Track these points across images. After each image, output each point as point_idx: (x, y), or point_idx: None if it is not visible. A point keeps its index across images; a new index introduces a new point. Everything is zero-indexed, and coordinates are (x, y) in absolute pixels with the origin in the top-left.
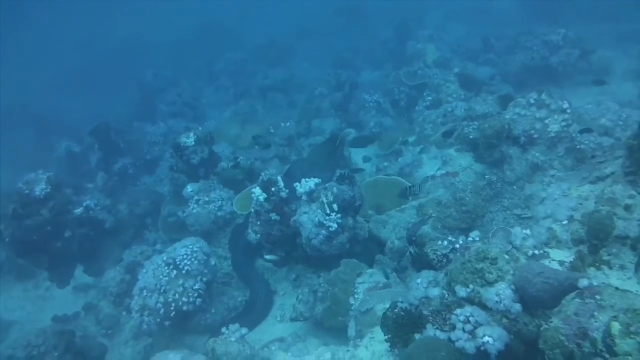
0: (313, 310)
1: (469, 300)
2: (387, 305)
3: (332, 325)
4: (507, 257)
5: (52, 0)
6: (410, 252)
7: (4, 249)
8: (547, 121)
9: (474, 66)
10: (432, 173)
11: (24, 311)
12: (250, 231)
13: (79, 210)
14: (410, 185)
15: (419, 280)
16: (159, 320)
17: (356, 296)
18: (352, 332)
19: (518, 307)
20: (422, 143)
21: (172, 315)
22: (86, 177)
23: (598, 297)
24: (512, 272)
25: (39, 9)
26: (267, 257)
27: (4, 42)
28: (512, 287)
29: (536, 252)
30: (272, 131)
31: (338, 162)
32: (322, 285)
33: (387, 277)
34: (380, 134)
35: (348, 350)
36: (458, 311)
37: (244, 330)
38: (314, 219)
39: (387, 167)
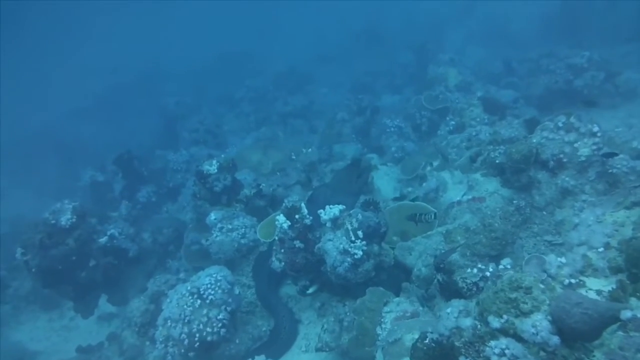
0: (339, 340)
1: (503, 331)
2: (416, 335)
3: (358, 355)
4: (542, 286)
5: (74, 26)
6: (438, 280)
7: (30, 278)
8: (576, 145)
9: (496, 89)
10: (457, 198)
11: (49, 341)
12: (274, 259)
13: (103, 239)
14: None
15: (448, 310)
16: (182, 350)
17: (383, 325)
18: None
19: (556, 339)
20: (446, 168)
21: (196, 345)
22: (110, 205)
23: None
24: (547, 301)
25: (63, 34)
26: (310, 290)
27: (28, 68)
28: (549, 317)
29: (572, 280)
30: (294, 157)
31: (361, 187)
32: (348, 314)
33: (422, 305)
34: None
35: None
36: (492, 343)
37: None
38: (339, 246)
39: (410, 192)
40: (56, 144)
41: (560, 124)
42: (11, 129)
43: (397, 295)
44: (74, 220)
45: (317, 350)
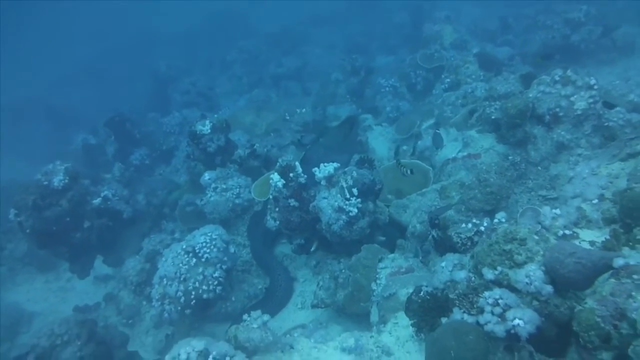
0: (334, 297)
1: (497, 283)
2: (411, 290)
3: (353, 311)
4: (536, 237)
5: None
6: (433, 236)
7: (25, 240)
8: (572, 98)
9: (492, 47)
10: (452, 155)
11: (46, 302)
12: (268, 218)
13: (97, 201)
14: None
15: (443, 264)
16: (179, 308)
17: (378, 281)
18: (374, 317)
19: (549, 288)
20: (442, 126)
21: (192, 303)
22: (103, 168)
23: (635, 276)
24: (542, 252)
25: (51, 2)
26: (312, 248)
27: (17, 35)
28: (542, 268)
29: (566, 232)
30: (288, 118)
31: (354, 145)
32: (343, 271)
33: (417, 255)
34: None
35: (371, 336)
36: (486, 294)
37: (266, 317)
38: (334, 204)
39: (406, 150)
40: (47, 110)
41: (557, 78)
42: (0, 95)
43: (392, 252)
44: (66, 181)
45: (313, 307)
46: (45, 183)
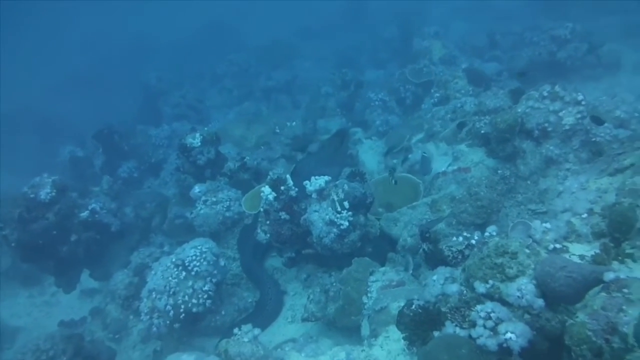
0: (325, 310)
1: (489, 296)
2: (402, 303)
3: (344, 324)
4: (527, 251)
5: (53, 1)
6: (424, 249)
7: (9, 254)
8: (561, 114)
9: (480, 62)
10: (442, 169)
11: (30, 317)
12: (259, 231)
13: (84, 214)
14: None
15: (434, 277)
16: (168, 322)
17: (369, 294)
18: (365, 331)
19: (540, 302)
20: (431, 140)
21: (181, 317)
22: (90, 181)
23: (625, 290)
24: (533, 266)
25: (39, 10)
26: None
27: (5, 43)
28: (534, 281)
29: (557, 245)
30: (278, 131)
31: (345, 158)
32: (334, 284)
33: (408, 268)
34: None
35: (363, 350)
36: (478, 307)
37: (257, 331)
38: (325, 217)
39: (396, 164)
40: (34, 121)
41: (545, 93)
42: None
43: (383, 266)
44: (53, 194)
45: (304, 320)
46: (32, 196)
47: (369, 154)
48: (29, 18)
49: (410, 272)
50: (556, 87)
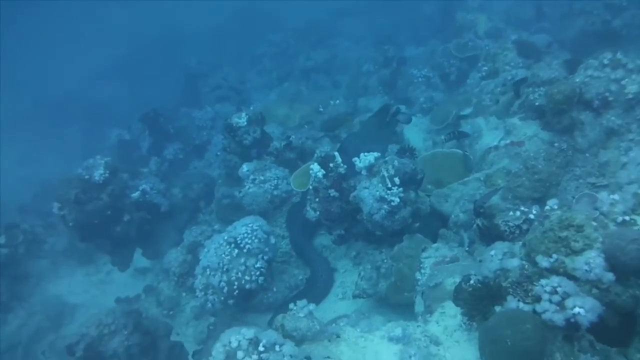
0: (376, 287)
1: (552, 271)
2: (457, 279)
3: (397, 301)
4: (594, 223)
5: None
6: (478, 225)
7: (66, 234)
8: (623, 82)
9: (527, 35)
10: (494, 143)
11: (87, 294)
12: (308, 208)
13: (135, 194)
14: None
15: (492, 252)
16: (222, 298)
17: (422, 271)
18: (419, 307)
19: (610, 275)
20: (480, 114)
21: (235, 293)
22: (138, 163)
23: None
24: (600, 239)
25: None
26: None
27: (50, 36)
28: (602, 255)
29: (626, 218)
30: (322, 109)
31: (390, 134)
32: (385, 261)
33: (462, 244)
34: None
35: (418, 326)
36: (543, 281)
37: (312, 306)
38: (375, 194)
39: (444, 140)
40: (80, 108)
41: (605, 61)
42: (34, 94)
43: (434, 242)
44: (106, 175)
45: (355, 297)
46: (87, 177)
47: (413, 131)
48: (69, 10)
49: (466, 247)
50: (618, 55)
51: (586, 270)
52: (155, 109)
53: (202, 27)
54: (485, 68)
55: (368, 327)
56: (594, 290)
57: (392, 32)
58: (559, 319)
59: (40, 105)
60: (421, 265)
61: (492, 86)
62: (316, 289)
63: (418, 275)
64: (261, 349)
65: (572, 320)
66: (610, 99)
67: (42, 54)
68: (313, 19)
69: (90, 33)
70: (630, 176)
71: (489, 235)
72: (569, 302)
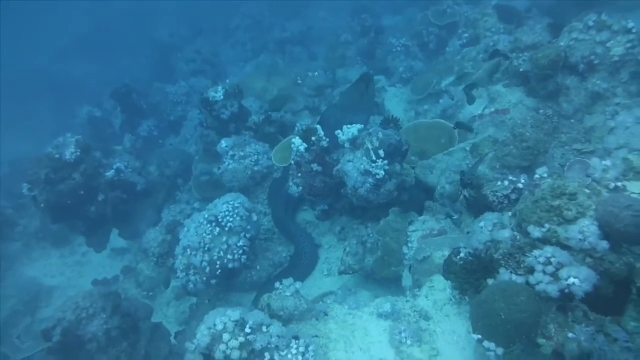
0: (362, 262)
1: (545, 241)
2: (446, 252)
3: (384, 275)
4: (587, 191)
5: None
6: (465, 196)
7: (38, 216)
8: (609, 44)
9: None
10: (478, 112)
11: (63, 276)
12: (291, 184)
13: (110, 173)
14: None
15: (481, 223)
16: (204, 278)
17: (409, 244)
18: (407, 281)
19: (605, 244)
20: (463, 83)
21: (217, 272)
22: (111, 141)
23: None
24: (594, 207)
25: None
26: None
27: (11, 9)
28: (595, 223)
29: (618, 184)
30: (300, 82)
31: (371, 105)
32: (371, 235)
33: (449, 216)
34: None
35: (407, 301)
36: (536, 252)
37: (298, 284)
38: (359, 167)
39: (427, 110)
40: (49, 84)
41: (590, 23)
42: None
43: (420, 215)
44: (78, 153)
45: (340, 273)
46: (57, 156)
47: (394, 102)
48: None
49: (454, 217)
50: (603, 16)
51: (580, 239)
52: (127, 84)
53: None
54: (466, 35)
55: (356, 303)
56: (588, 259)
57: (368, 1)
58: (553, 290)
59: (6, 82)
60: (408, 239)
61: (474, 53)
62: (300, 265)
63: (405, 249)
64: (248, 330)
65: (567, 290)
66: (596, 62)
67: (5, 30)
68: None
69: (57, 6)
70: (619, 141)
71: (477, 206)
72: (563, 273)
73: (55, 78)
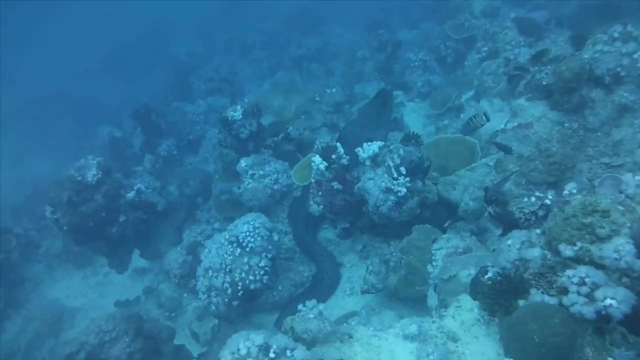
0: (386, 281)
1: (577, 260)
2: (472, 271)
3: (408, 295)
4: (621, 207)
5: None
6: (490, 213)
7: (60, 237)
8: (635, 55)
9: (524, 12)
10: (500, 126)
11: (86, 297)
12: (311, 202)
13: (130, 194)
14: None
15: (509, 242)
16: (226, 300)
17: (434, 263)
18: (432, 301)
19: None
20: (483, 97)
21: (239, 294)
22: (131, 161)
23: None
24: (628, 224)
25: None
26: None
27: (34, 31)
28: (631, 241)
29: None
30: (318, 99)
31: (389, 121)
32: (394, 254)
33: (473, 234)
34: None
35: (434, 321)
36: (569, 272)
37: (322, 306)
38: (381, 185)
39: (447, 125)
40: (69, 106)
41: (615, 35)
42: (22, 94)
43: (444, 232)
44: (99, 175)
45: (363, 292)
46: (79, 178)
47: (412, 117)
48: (53, 5)
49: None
50: (628, 27)
51: (616, 258)
52: (146, 104)
53: (190, 17)
54: (485, 48)
55: (380, 324)
56: (624, 279)
57: (383, 16)
58: (588, 311)
59: (28, 104)
60: (432, 257)
61: (494, 67)
62: (323, 285)
63: (429, 268)
64: (272, 355)
65: (604, 312)
66: (622, 74)
67: (27, 53)
68: (302, 5)
69: (76, 29)
70: None
71: (502, 222)
72: (599, 294)
73: (74, 98)
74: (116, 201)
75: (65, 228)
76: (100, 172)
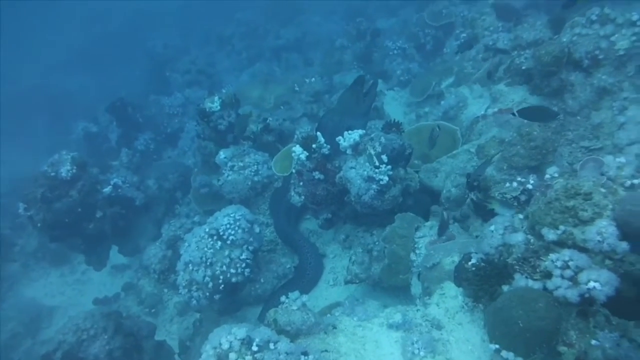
0: (369, 271)
1: (560, 243)
2: (456, 258)
3: (392, 284)
4: (603, 190)
5: None
6: (472, 199)
7: (35, 235)
8: (613, 38)
9: None
10: (481, 112)
11: (64, 296)
12: (293, 193)
13: (107, 189)
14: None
15: (492, 227)
16: (207, 294)
17: (417, 251)
18: (416, 289)
19: (625, 245)
20: (463, 83)
21: (220, 287)
22: (107, 156)
23: None
24: (610, 206)
25: None
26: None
27: (10, 24)
28: (613, 223)
29: (635, 181)
30: (297, 89)
31: (369, 108)
32: (377, 243)
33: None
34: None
35: (418, 310)
36: (553, 256)
37: (305, 298)
38: (362, 173)
39: (428, 112)
40: (43, 100)
41: (593, 17)
42: None
43: (427, 220)
44: (74, 171)
45: (347, 282)
46: (53, 174)
47: (393, 105)
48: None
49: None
50: (605, 9)
51: (598, 240)
52: (122, 97)
53: (167, 9)
54: (464, 35)
55: (365, 314)
56: (607, 262)
57: (362, 4)
58: (572, 295)
59: (3, 100)
60: (415, 246)
61: (474, 53)
62: (306, 276)
63: (413, 256)
64: (255, 348)
65: (587, 295)
66: (601, 56)
67: (1, 48)
68: None
69: (48, 22)
70: (630, 136)
71: (484, 209)
72: (582, 276)
73: (50, 92)
74: (92, 197)
75: (39, 225)
76: (75, 167)
